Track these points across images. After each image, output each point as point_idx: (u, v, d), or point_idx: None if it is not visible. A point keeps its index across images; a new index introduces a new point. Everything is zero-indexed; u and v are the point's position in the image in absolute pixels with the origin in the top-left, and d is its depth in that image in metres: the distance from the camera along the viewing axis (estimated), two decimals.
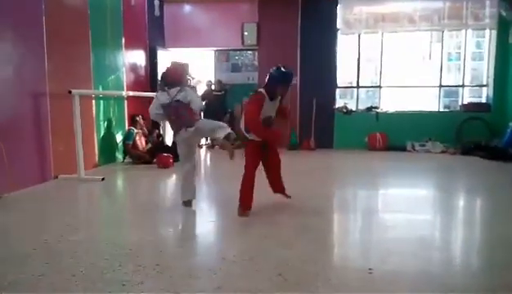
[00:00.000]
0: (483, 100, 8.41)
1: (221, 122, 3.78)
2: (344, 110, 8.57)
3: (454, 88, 8.75)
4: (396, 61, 8.90)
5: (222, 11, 8.94)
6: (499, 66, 8.05)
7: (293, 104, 8.33)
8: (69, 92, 4.99)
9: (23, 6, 4.66)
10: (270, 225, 3.26)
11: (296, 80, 8.32)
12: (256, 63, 8.97)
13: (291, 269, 2.38)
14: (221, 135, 3.55)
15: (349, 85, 9.04)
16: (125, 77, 7.10)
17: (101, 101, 6.41)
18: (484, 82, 8.40)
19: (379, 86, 8.76)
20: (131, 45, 7.29)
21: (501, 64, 8.02)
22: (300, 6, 8.51)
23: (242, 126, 3.47)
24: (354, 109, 8.70)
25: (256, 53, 8.94)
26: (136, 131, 6.56)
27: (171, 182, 5.48)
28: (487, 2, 8.05)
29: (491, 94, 8.22)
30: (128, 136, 6.52)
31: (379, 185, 5.22)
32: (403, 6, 8.38)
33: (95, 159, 6.17)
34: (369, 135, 8.29)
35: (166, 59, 8.13)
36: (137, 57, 7.71)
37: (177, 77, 3.75)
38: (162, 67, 7.92)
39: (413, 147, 8.11)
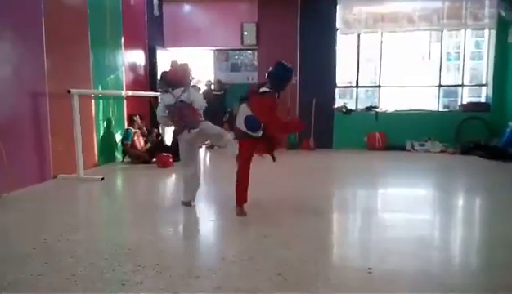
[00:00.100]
0: (483, 100, 8.42)
1: (226, 132, 3.79)
2: (344, 110, 8.57)
3: (453, 88, 8.75)
4: (395, 61, 8.89)
5: (221, 10, 8.94)
6: (498, 66, 8.05)
7: (292, 103, 8.33)
8: (69, 92, 4.98)
9: (22, 5, 4.65)
10: (269, 225, 3.26)
11: (296, 80, 8.30)
12: (255, 63, 8.96)
13: (291, 269, 2.38)
14: (226, 147, 3.61)
15: (349, 85, 9.04)
16: (124, 77, 7.10)
17: (101, 101, 6.40)
18: (483, 82, 8.41)
19: (379, 86, 8.76)
20: (130, 44, 7.29)
21: (500, 64, 8.02)
22: (300, 6, 8.51)
23: (241, 124, 3.43)
24: (353, 108, 8.70)
25: (255, 53, 8.94)
26: (134, 130, 6.56)
27: (170, 182, 5.48)
28: (487, 2, 8.05)
29: (490, 93, 8.23)
30: (125, 136, 6.52)
31: (379, 185, 5.23)
32: (402, 6, 8.38)
33: (94, 159, 6.17)
34: (368, 135, 8.29)
35: (165, 58, 8.13)
36: (137, 57, 7.70)
37: (180, 77, 3.77)
38: (161, 66, 7.93)
39: (412, 147, 8.12)
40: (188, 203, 3.84)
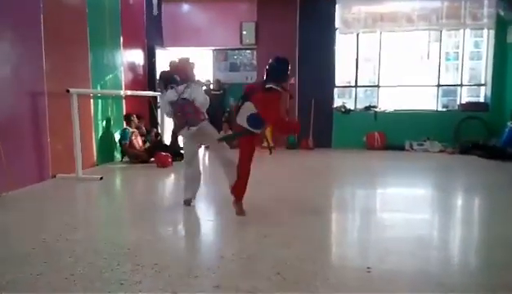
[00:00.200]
0: (481, 100, 8.42)
1: (218, 135, 3.85)
2: (343, 110, 8.58)
3: (452, 87, 8.75)
4: (394, 61, 8.88)
5: (220, 10, 8.93)
6: (497, 65, 8.06)
7: (291, 103, 8.33)
8: (67, 91, 4.98)
9: (21, 5, 4.64)
10: (268, 224, 3.26)
11: (294, 80, 8.33)
12: (254, 62, 8.96)
13: (290, 268, 2.38)
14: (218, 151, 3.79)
15: (347, 84, 9.04)
16: (123, 77, 7.09)
17: (99, 100, 6.39)
18: (482, 82, 8.41)
19: (378, 86, 8.77)
20: (129, 44, 7.28)
21: (499, 64, 8.03)
22: (299, 6, 8.51)
23: (243, 122, 3.42)
24: (352, 108, 8.71)
25: (254, 52, 8.93)
26: (131, 130, 6.55)
27: (169, 181, 5.48)
28: (485, 2, 8.05)
29: (489, 93, 8.24)
30: (123, 136, 6.51)
31: (378, 185, 5.23)
32: (401, 6, 8.39)
33: (93, 158, 6.16)
34: (367, 135, 8.30)
35: (164, 58, 8.13)
36: (135, 56, 7.69)
37: (184, 73, 3.80)
38: (160, 66, 7.92)
39: (411, 146, 8.12)
40: (189, 201, 3.84)
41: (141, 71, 7.89)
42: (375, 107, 8.62)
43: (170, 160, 6.14)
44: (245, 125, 3.38)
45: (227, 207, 3.69)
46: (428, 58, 8.77)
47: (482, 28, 8.29)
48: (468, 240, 3.17)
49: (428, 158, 7.30)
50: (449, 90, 8.81)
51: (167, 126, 7.45)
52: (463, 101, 8.48)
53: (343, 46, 8.70)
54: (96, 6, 6.19)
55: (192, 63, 4.31)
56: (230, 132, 6.66)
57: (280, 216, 3.55)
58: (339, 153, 8.01)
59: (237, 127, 3.50)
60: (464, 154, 7.39)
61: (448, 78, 8.88)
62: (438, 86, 8.53)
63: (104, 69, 6.48)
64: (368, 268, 2.38)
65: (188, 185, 3.88)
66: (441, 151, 7.85)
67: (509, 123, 7.23)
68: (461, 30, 8.42)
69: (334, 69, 8.58)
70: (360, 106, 8.77)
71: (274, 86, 3.36)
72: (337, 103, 8.75)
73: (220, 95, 8.75)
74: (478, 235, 3.31)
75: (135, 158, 6.46)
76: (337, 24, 8.48)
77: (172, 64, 7.15)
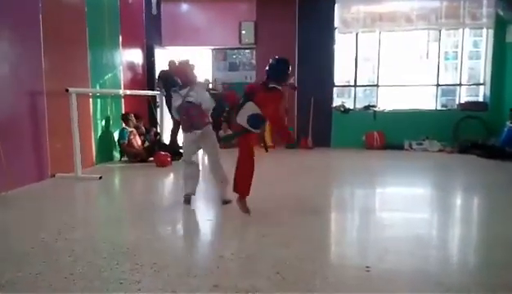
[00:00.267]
0: (480, 99, 8.43)
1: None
2: (342, 109, 8.58)
3: (451, 87, 8.75)
4: (393, 60, 8.89)
5: (219, 9, 8.92)
6: (496, 65, 8.06)
7: (290, 102, 8.34)
8: (66, 91, 4.97)
9: (20, 4, 4.64)
10: (267, 224, 3.26)
11: (294, 79, 8.32)
12: (253, 62, 8.96)
13: (289, 268, 2.38)
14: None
15: (347, 84, 9.04)
16: (122, 76, 7.08)
17: (99, 100, 6.39)
18: (481, 81, 8.42)
19: (377, 85, 8.77)
20: (128, 43, 7.27)
21: (498, 63, 8.03)
22: (298, 5, 8.50)
23: (243, 121, 3.41)
24: (352, 107, 8.71)
25: (254, 52, 8.93)
26: (129, 129, 6.54)
27: (168, 181, 5.48)
28: (484, 2, 8.06)
29: (488, 93, 8.25)
30: (121, 135, 6.50)
31: (377, 184, 5.24)
32: (400, 5, 8.39)
33: (92, 158, 6.16)
34: (366, 134, 8.30)
35: (163, 57, 8.12)
36: (135, 55, 7.69)
37: (184, 75, 3.83)
38: (159, 65, 7.91)
39: (410, 146, 8.12)
40: (189, 196, 3.84)
41: (140, 70, 7.88)
42: (374, 106, 8.62)
43: (169, 159, 6.14)
44: (245, 125, 3.38)
45: (226, 206, 3.70)
46: (427, 57, 8.78)
47: (482, 28, 8.30)
48: (467, 239, 3.18)
49: (427, 157, 7.31)
50: (448, 89, 8.82)
51: (166, 125, 7.46)
52: (462, 101, 8.49)
53: (343, 46, 8.70)
54: (96, 5, 6.18)
55: (192, 65, 4.31)
56: (230, 132, 6.67)
57: (279, 215, 3.55)
58: (338, 152, 8.01)
59: (236, 127, 3.50)
60: (463, 154, 7.39)
61: (447, 78, 8.89)
62: (437, 85, 8.53)
63: (103, 68, 6.47)
64: (367, 267, 2.38)
65: (188, 182, 3.91)
66: (440, 150, 7.85)
67: (508, 123, 7.23)
68: (460, 30, 8.43)
69: (333, 68, 8.58)
70: (359, 106, 8.77)
71: (277, 86, 3.37)
72: (336, 102, 8.75)
73: (219, 95, 8.75)
74: (477, 234, 3.31)
75: (134, 157, 6.45)
76: (336, 23, 8.47)
77: (171, 64, 7.16)
